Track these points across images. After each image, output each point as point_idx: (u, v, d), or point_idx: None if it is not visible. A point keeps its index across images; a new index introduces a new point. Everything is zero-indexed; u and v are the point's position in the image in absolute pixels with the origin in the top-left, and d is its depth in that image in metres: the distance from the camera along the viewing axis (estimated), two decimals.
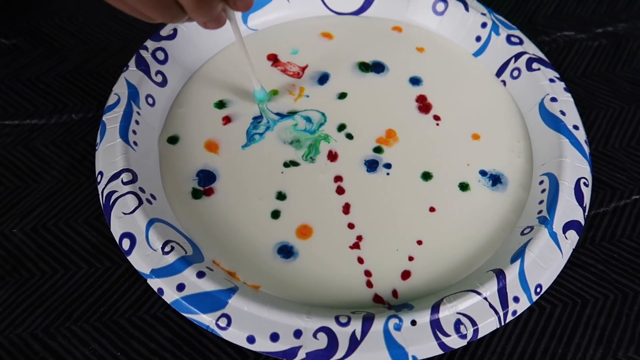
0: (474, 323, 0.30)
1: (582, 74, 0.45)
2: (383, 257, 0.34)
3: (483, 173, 0.38)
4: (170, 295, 0.31)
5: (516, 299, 0.31)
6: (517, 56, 0.42)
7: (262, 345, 0.29)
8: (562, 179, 0.35)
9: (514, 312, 0.31)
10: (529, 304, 0.31)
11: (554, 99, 0.39)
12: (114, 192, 0.34)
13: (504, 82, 0.43)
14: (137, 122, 0.38)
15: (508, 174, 0.38)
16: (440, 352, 0.29)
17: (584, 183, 0.35)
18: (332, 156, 0.38)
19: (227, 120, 0.40)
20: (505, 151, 0.39)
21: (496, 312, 0.31)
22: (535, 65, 0.41)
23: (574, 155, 0.36)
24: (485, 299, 0.31)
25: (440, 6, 0.45)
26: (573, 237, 0.33)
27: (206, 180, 0.37)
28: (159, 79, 0.41)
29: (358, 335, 0.29)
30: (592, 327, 0.33)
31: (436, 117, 0.41)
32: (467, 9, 0.44)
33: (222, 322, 0.30)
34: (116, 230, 0.33)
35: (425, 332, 0.30)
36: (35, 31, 0.47)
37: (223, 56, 0.44)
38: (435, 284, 0.33)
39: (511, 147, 0.39)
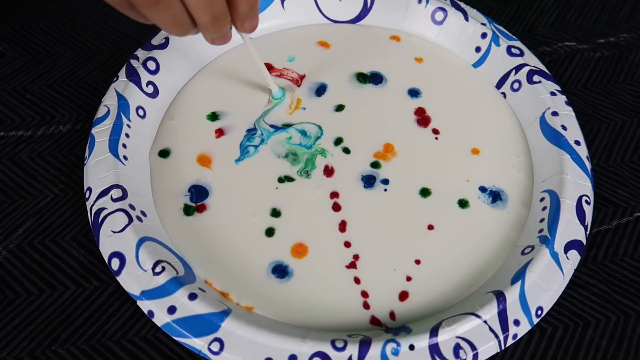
0: (473, 347, 0.29)
1: (583, 86, 0.44)
2: (380, 277, 0.33)
3: (483, 189, 0.37)
4: (161, 318, 0.30)
5: (517, 322, 0.30)
6: (518, 68, 0.41)
7: None
8: (564, 197, 0.34)
9: (515, 336, 0.30)
10: (529, 327, 0.30)
11: (555, 113, 0.38)
12: (103, 209, 0.33)
13: (504, 94, 0.42)
14: (127, 135, 0.37)
15: (508, 190, 0.37)
16: None
17: (586, 201, 0.34)
18: (329, 171, 0.37)
19: (220, 132, 0.39)
20: (505, 166, 0.38)
21: (496, 336, 0.30)
22: (536, 78, 0.40)
23: (575, 172, 0.35)
24: (485, 322, 0.30)
25: (439, 15, 0.44)
26: (574, 257, 0.32)
27: (198, 196, 0.36)
28: (150, 89, 0.39)
29: None
30: (594, 349, 0.33)
31: (435, 131, 0.40)
32: (466, 18, 0.44)
33: (215, 347, 0.29)
34: (105, 249, 0.32)
35: (424, 358, 0.29)
36: (20, 37, 0.45)
37: (215, 66, 0.43)
38: (433, 306, 0.32)
39: (511, 162, 0.38)
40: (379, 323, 0.32)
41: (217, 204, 0.36)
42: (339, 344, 0.29)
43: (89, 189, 0.34)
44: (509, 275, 0.32)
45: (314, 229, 0.35)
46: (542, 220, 0.34)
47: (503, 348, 0.30)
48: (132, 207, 0.33)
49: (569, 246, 0.32)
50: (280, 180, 0.37)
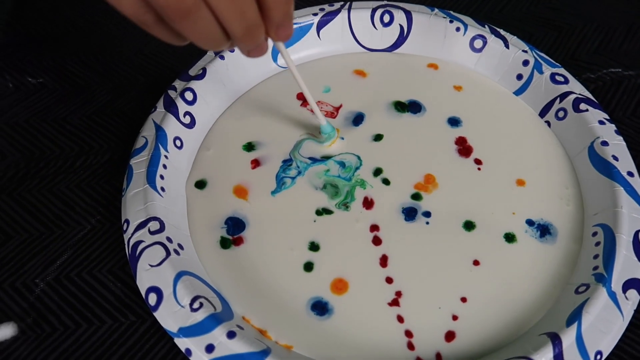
0: None
1: (632, 114, 0.42)
2: (425, 315, 0.32)
3: (530, 223, 0.35)
4: (199, 357, 0.29)
5: None
6: (563, 96, 0.40)
7: None
8: (619, 232, 0.32)
9: None
10: None
11: (604, 143, 0.37)
12: (140, 242, 0.32)
13: (548, 122, 0.41)
14: (164, 166, 0.36)
15: (557, 223, 0.35)
16: None
17: None
18: (368, 203, 0.36)
19: (255, 163, 0.39)
20: (553, 198, 0.37)
21: None
22: (582, 106, 0.39)
23: (630, 205, 0.34)
24: None
25: (478, 43, 0.44)
26: (634, 297, 0.30)
27: (235, 228, 0.35)
28: (187, 120, 0.39)
29: None
30: None
31: (477, 161, 0.38)
32: (507, 45, 0.43)
33: None
34: (143, 283, 0.31)
35: None
36: (60, 69, 0.46)
37: (251, 96, 0.43)
38: (482, 347, 0.31)
39: (559, 194, 0.37)
40: None
41: (254, 237, 0.35)
42: None
43: (127, 221, 0.33)
44: (564, 316, 0.30)
45: (354, 264, 0.34)
46: (596, 256, 0.32)
47: None
48: (169, 240, 0.33)
49: (627, 285, 0.31)
50: (318, 212, 0.36)
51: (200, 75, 0.41)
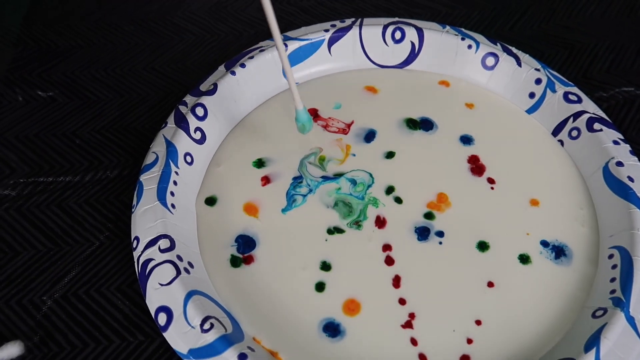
0: None
1: None
2: (439, 338, 0.31)
3: (545, 244, 0.35)
4: None
5: None
6: (576, 115, 0.39)
7: None
8: (636, 255, 0.32)
9: None
10: None
11: (620, 163, 0.36)
12: (150, 260, 0.32)
13: (561, 142, 0.40)
14: (175, 183, 0.36)
15: (572, 245, 0.35)
16: None
17: None
18: (380, 222, 0.36)
19: (266, 180, 0.38)
20: (567, 219, 0.36)
21: None
22: (597, 126, 0.38)
23: None
24: None
25: (490, 61, 0.43)
26: None
27: (246, 246, 0.35)
28: (197, 136, 0.39)
29: None
30: None
31: (490, 180, 0.38)
32: (519, 64, 0.42)
33: None
34: (152, 303, 0.31)
35: None
36: (71, 83, 0.46)
37: (262, 111, 0.43)
38: None
39: (574, 215, 0.36)
40: None
41: (264, 256, 0.35)
42: None
43: (137, 238, 0.33)
44: (581, 341, 0.29)
45: (366, 284, 0.33)
46: (613, 279, 0.32)
47: None
48: (179, 258, 0.32)
49: None
50: (330, 231, 0.36)
51: (211, 91, 0.40)
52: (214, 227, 0.36)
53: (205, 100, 0.40)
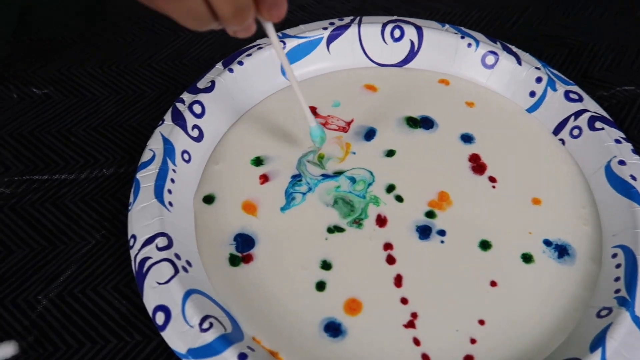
0: None
1: None
2: (442, 338, 0.31)
3: (547, 243, 0.35)
4: None
5: None
6: (578, 114, 0.39)
7: None
8: None
9: None
10: None
11: (622, 162, 0.36)
12: (147, 258, 0.31)
13: (562, 140, 0.40)
14: (172, 181, 0.35)
15: (575, 244, 0.35)
16: None
17: None
18: (381, 221, 0.35)
19: (264, 178, 0.38)
20: (570, 218, 0.36)
21: None
22: (598, 124, 0.38)
23: None
24: None
25: (490, 59, 0.43)
26: None
27: (244, 245, 0.35)
28: (195, 133, 0.38)
29: None
30: None
31: (492, 179, 0.38)
32: (519, 62, 0.42)
33: None
34: (150, 302, 0.30)
35: None
36: (66, 80, 0.45)
37: (260, 109, 0.42)
38: None
39: (576, 213, 0.36)
40: None
41: (264, 255, 0.34)
42: None
43: (134, 236, 0.32)
44: (586, 341, 0.29)
45: (367, 284, 0.33)
46: (617, 279, 0.32)
47: None
48: (177, 256, 0.32)
49: None
50: (330, 230, 0.35)
51: (209, 88, 0.40)
52: (212, 225, 0.35)
53: (202, 97, 0.39)
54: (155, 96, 0.44)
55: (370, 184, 0.37)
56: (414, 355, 0.30)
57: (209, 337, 0.28)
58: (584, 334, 0.30)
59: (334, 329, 0.31)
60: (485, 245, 0.34)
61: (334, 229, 0.35)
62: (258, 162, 0.39)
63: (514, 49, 0.43)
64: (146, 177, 0.35)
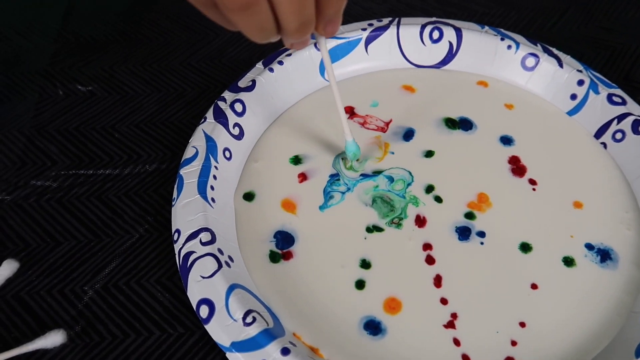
0: None
1: None
2: (482, 339, 0.31)
3: (589, 247, 0.34)
4: None
5: None
6: (621, 117, 0.39)
7: None
8: None
9: None
10: None
11: None
12: (192, 252, 0.32)
13: (604, 144, 0.40)
14: (214, 177, 0.36)
15: (618, 248, 0.34)
16: None
17: None
18: (421, 221, 0.35)
19: (303, 177, 0.38)
20: (612, 222, 0.35)
21: None
22: None
23: None
24: None
25: (530, 61, 0.43)
26: None
27: (284, 242, 0.35)
28: (236, 131, 0.39)
29: None
30: None
31: (532, 181, 0.37)
32: (560, 65, 0.42)
33: None
34: (194, 295, 0.31)
35: None
36: (109, 77, 0.46)
37: (299, 108, 0.43)
38: None
39: (619, 218, 0.36)
40: None
41: (303, 252, 0.35)
42: None
43: (178, 231, 0.33)
44: (631, 346, 0.29)
45: (407, 283, 0.33)
46: None
47: None
48: (220, 251, 0.32)
49: None
50: (369, 230, 0.35)
51: (250, 87, 0.41)
52: (252, 222, 0.36)
53: (243, 96, 0.40)
54: (195, 94, 0.45)
55: (409, 184, 0.37)
56: (454, 355, 0.30)
57: (252, 331, 0.29)
58: (628, 339, 0.29)
59: (373, 327, 0.31)
60: (525, 247, 0.34)
61: (373, 229, 0.35)
62: (297, 160, 0.39)
63: (555, 51, 0.43)
64: (189, 174, 0.35)
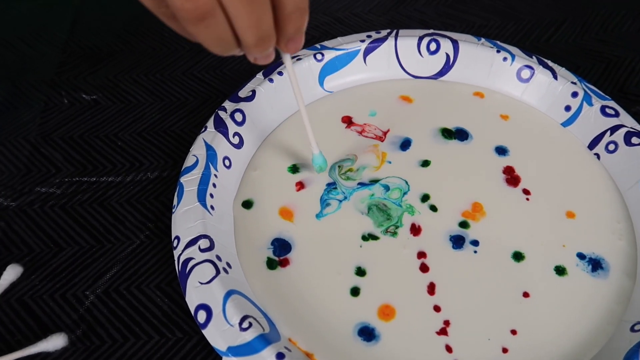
0: None
1: None
2: (474, 347, 0.31)
3: (581, 256, 0.35)
4: None
5: None
6: (614, 129, 0.39)
7: None
8: None
9: None
10: None
11: None
12: (190, 259, 0.33)
13: (597, 155, 0.40)
14: (214, 185, 0.37)
15: (609, 258, 0.35)
16: None
17: None
18: (416, 230, 0.36)
19: (300, 185, 0.39)
20: (604, 232, 0.36)
21: None
22: (635, 140, 0.38)
23: None
24: None
25: (525, 73, 0.44)
26: None
27: (281, 249, 0.36)
28: (236, 140, 0.40)
29: None
30: None
31: (525, 191, 0.38)
32: (555, 77, 0.43)
33: None
34: (192, 300, 0.31)
35: None
36: (113, 87, 0.47)
37: (297, 118, 0.43)
38: None
39: (611, 228, 0.36)
40: None
41: (300, 259, 0.35)
42: None
43: (177, 237, 0.34)
44: (619, 355, 0.29)
45: (401, 290, 0.34)
46: None
47: None
48: (219, 258, 0.33)
49: None
50: (364, 238, 0.36)
51: (250, 97, 0.41)
52: (250, 229, 0.37)
53: (243, 106, 0.41)
54: (197, 104, 0.46)
55: (405, 193, 0.38)
56: None
57: (249, 336, 0.30)
58: (617, 347, 0.30)
59: (367, 333, 0.32)
60: (518, 256, 0.35)
61: (369, 237, 0.36)
62: (294, 169, 0.40)
63: (550, 63, 0.44)
64: (189, 182, 0.36)
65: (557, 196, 0.38)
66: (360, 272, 0.34)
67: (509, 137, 0.42)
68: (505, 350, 0.31)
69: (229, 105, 0.41)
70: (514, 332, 0.32)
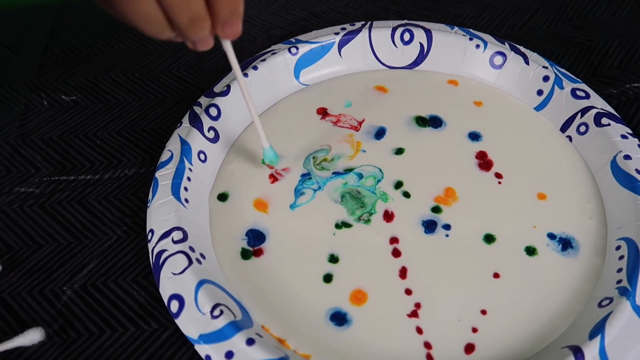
0: None
1: None
2: (444, 327, 0.32)
3: (551, 236, 0.35)
4: None
5: None
6: (584, 111, 0.40)
7: None
8: None
9: None
10: None
11: (627, 157, 0.36)
12: (164, 250, 0.33)
13: (569, 137, 0.41)
14: (189, 179, 0.37)
15: (579, 237, 0.35)
16: None
17: None
18: (388, 216, 0.37)
19: (274, 178, 0.39)
20: (575, 213, 0.36)
21: None
22: (604, 121, 0.38)
23: None
24: None
25: (498, 59, 0.44)
26: None
27: (255, 240, 0.36)
28: (211, 135, 0.40)
29: None
30: None
31: (498, 175, 0.38)
32: (527, 62, 0.43)
33: None
34: (165, 291, 0.32)
35: None
36: (93, 87, 0.48)
37: (273, 112, 0.44)
38: None
39: (581, 208, 0.37)
40: None
41: (274, 249, 0.36)
42: None
43: (151, 230, 0.34)
44: (586, 329, 0.29)
45: (373, 276, 0.34)
46: (619, 270, 0.32)
47: None
48: (192, 249, 0.33)
49: None
50: (338, 226, 0.36)
51: (225, 92, 0.42)
52: (225, 221, 0.37)
53: (218, 101, 0.41)
54: (175, 101, 0.47)
55: (379, 181, 0.38)
56: (416, 343, 0.31)
57: (220, 323, 0.30)
58: (585, 323, 0.30)
59: (339, 318, 0.32)
60: (489, 238, 0.35)
61: (342, 225, 0.36)
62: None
63: (522, 49, 0.44)
64: (164, 176, 0.37)
65: (528, 179, 0.38)
66: (333, 259, 0.35)
67: (482, 123, 0.42)
68: (475, 330, 0.31)
69: (204, 100, 0.42)
70: (483, 312, 0.32)
